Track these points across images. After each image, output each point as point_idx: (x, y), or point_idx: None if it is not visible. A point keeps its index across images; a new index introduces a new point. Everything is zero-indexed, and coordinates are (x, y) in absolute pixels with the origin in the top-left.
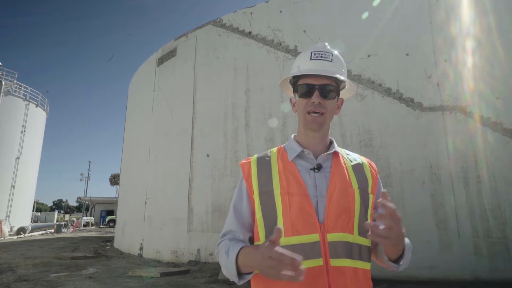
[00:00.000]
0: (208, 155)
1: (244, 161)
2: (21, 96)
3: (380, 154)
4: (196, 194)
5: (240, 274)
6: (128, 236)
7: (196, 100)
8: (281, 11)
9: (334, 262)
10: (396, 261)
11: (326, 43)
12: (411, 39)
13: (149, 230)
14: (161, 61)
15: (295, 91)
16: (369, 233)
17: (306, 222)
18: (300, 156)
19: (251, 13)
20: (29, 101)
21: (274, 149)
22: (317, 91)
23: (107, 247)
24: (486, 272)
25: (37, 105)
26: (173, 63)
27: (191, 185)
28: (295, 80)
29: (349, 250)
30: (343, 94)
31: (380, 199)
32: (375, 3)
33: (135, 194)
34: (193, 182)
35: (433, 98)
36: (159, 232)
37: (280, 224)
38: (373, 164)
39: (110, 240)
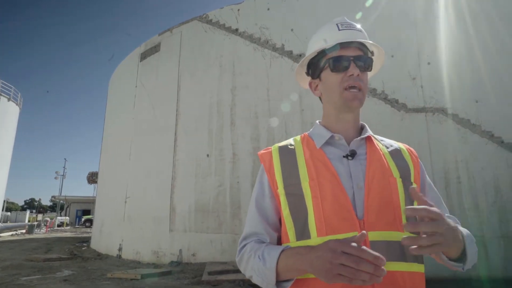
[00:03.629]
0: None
1: (263, 151)
2: None
3: None
4: (179, 193)
5: (278, 282)
6: (106, 236)
7: (180, 97)
8: (268, 9)
9: None
10: (458, 259)
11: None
12: (397, 41)
13: (129, 230)
14: (144, 56)
15: (318, 70)
16: (411, 249)
17: (342, 218)
18: (329, 142)
19: (238, 10)
20: (1, 95)
21: (298, 137)
22: (353, 63)
23: (83, 248)
24: None
25: (9, 99)
26: (156, 59)
27: (174, 183)
28: (317, 59)
29: (400, 251)
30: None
31: (406, 207)
32: (367, 4)
33: (115, 193)
34: (176, 181)
35: (416, 99)
36: (139, 232)
37: (312, 221)
38: (412, 149)
39: (87, 240)
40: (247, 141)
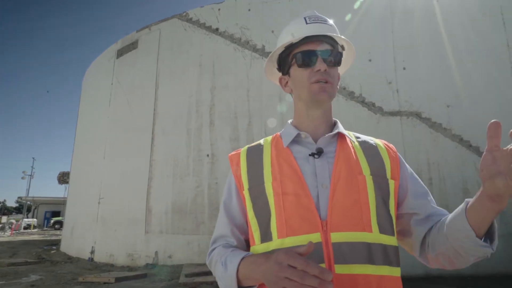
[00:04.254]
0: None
1: (233, 152)
2: None
3: None
4: (155, 193)
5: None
6: (77, 238)
7: (158, 96)
8: (249, 10)
9: (341, 269)
10: (486, 238)
11: (312, 10)
12: (374, 46)
13: (102, 232)
14: (120, 53)
15: (287, 65)
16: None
17: (303, 219)
18: (296, 141)
19: (219, 9)
20: None
21: (269, 137)
22: (320, 57)
23: (52, 251)
24: (435, 268)
25: None
26: (134, 56)
27: (151, 184)
28: (286, 54)
29: (368, 253)
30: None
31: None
32: (356, 6)
33: (88, 194)
34: (153, 181)
35: (392, 103)
36: (113, 234)
37: (273, 223)
38: (390, 145)
39: (56, 243)
40: (226, 142)
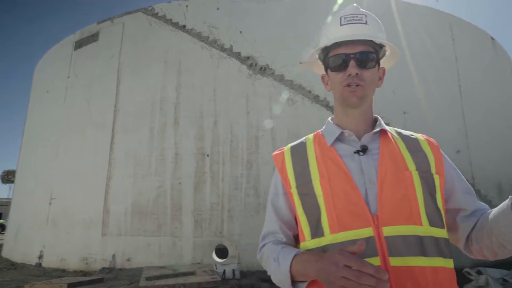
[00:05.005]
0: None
1: (277, 152)
2: None
3: None
4: (114, 194)
5: (294, 282)
6: (23, 242)
7: (120, 92)
8: (218, 8)
9: (396, 261)
10: None
11: (355, 5)
12: None
13: (53, 234)
14: (79, 44)
15: (326, 65)
16: None
17: (354, 214)
18: (340, 139)
19: (187, 6)
20: None
21: (311, 136)
22: (353, 61)
23: None
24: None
25: None
26: (94, 49)
27: (109, 184)
28: (325, 53)
29: (420, 246)
30: (384, 63)
31: None
32: (334, 8)
33: (37, 194)
34: (112, 181)
35: None
36: (65, 237)
37: (324, 219)
38: (432, 139)
39: None
40: (190, 141)
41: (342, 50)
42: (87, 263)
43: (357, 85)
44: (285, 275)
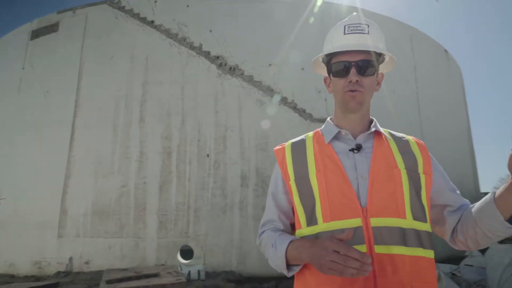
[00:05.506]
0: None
1: (278, 147)
2: None
3: (274, 158)
4: (73, 193)
5: (288, 266)
6: None
7: (81, 86)
8: (188, 6)
9: (380, 249)
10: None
11: (357, 13)
12: (307, 55)
13: (1, 237)
14: (36, 34)
15: (329, 70)
16: None
17: (346, 206)
18: (337, 137)
19: (155, 1)
20: None
21: (310, 133)
22: (354, 69)
23: None
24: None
25: None
26: (53, 39)
27: (68, 183)
28: (328, 58)
29: (403, 237)
30: (383, 67)
31: None
32: (315, 10)
33: None
34: (70, 180)
35: (321, 110)
36: (15, 239)
37: (318, 209)
38: (421, 142)
39: None
40: (157, 140)
41: (345, 58)
42: (40, 267)
43: (357, 91)
44: (281, 259)
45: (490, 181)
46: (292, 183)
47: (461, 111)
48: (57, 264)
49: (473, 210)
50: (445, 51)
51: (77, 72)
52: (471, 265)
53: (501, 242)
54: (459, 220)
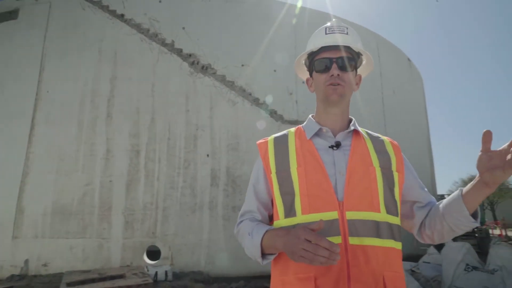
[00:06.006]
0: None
1: (261, 140)
2: None
3: (245, 158)
4: (31, 192)
5: (263, 255)
6: None
7: (43, 79)
8: (160, 1)
9: (354, 241)
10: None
11: (337, 19)
12: (279, 58)
13: None
14: None
15: (311, 69)
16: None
17: (324, 199)
18: (318, 134)
19: None
20: None
21: (293, 129)
22: (335, 64)
23: None
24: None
25: None
26: (11, 27)
27: (25, 181)
28: (310, 59)
29: (376, 229)
30: (360, 71)
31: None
32: (296, 12)
33: None
34: (29, 178)
35: (292, 112)
36: None
37: (297, 202)
38: (395, 142)
39: None
40: (124, 137)
41: (326, 55)
42: None
43: (338, 84)
44: (257, 247)
45: (445, 184)
46: (273, 176)
47: (421, 117)
48: (10, 267)
49: (440, 206)
50: (408, 60)
51: (39, 64)
52: (429, 262)
53: (454, 239)
54: (426, 215)
